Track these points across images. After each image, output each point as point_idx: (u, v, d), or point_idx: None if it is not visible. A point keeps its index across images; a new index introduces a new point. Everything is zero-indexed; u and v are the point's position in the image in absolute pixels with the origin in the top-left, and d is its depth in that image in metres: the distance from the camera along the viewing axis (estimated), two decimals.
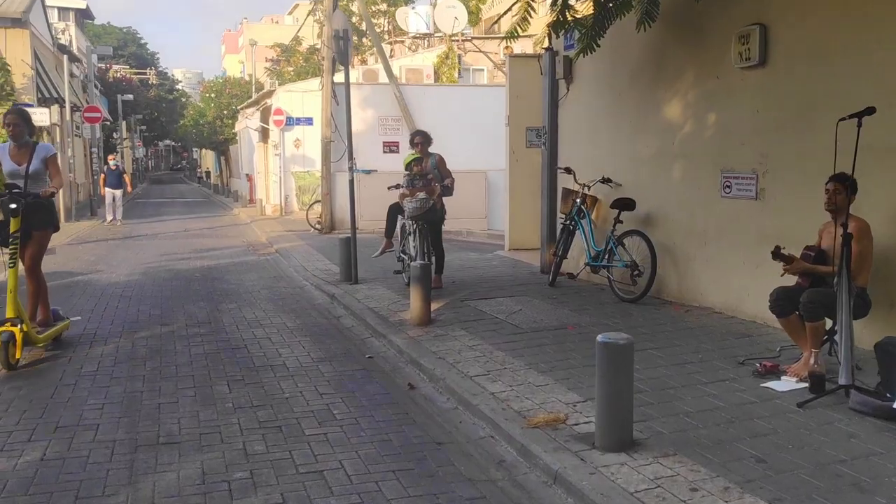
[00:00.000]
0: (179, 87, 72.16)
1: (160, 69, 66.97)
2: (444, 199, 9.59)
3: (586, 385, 5.28)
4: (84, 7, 37.81)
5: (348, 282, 10.40)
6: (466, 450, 4.52)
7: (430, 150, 9.87)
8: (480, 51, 24.75)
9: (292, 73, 37.09)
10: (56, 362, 6.55)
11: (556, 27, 8.03)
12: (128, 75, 50.25)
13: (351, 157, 11.10)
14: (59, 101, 22.38)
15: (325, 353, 6.84)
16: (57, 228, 7.20)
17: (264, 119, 25.77)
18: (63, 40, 28.35)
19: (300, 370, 6.27)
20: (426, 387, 5.79)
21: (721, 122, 7.56)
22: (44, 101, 21.92)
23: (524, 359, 6.06)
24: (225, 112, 39.23)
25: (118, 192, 21.97)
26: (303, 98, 24.18)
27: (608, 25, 7.58)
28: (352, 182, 11.07)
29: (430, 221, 9.13)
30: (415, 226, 9.23)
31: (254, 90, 35.43)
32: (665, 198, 8.29)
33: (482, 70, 30.57)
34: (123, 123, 49.99)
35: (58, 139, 21.62)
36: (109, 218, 21.76)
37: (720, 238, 7.57)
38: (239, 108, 34.02)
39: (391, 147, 18.42)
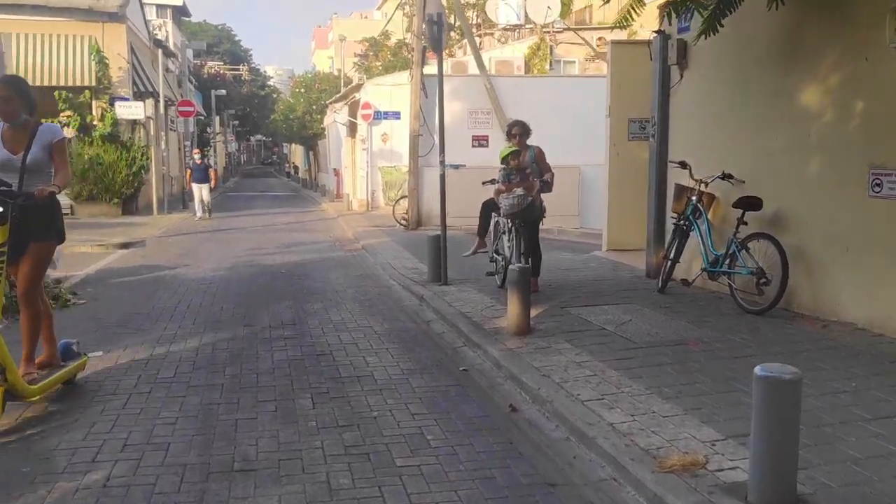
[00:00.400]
0: (271, 83, 73.52)
1: (253, 65, 68.31)
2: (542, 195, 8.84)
3: (723, 417, 4.47)
4: (181, 4, 38.64)
5: (437, 282, 9.79)
6: (585, 496, 3.80)
7: (528, 142, 9.12)
8: (581, 37, 23.73)
9: (380, 67, 36.88)
10: (134, 364, 6.16)
11: (675, 7, 7.18)
12: (222, 71, 51.33)
13: (442, 151, 10.47)
14: (154, 95, 22.69)
15: (416, 364, 6.23)
16: (62, 239, 5.51)
17: (352, 113, 25.52)
18: (160, 36, 28.92)
19: (389, 383, 5.67)
20: (530, 409, 5.09)
21: (870, 110, 6.54)
22: (139, 95, 22.25)
23: (643, 381, 5.28)
24: (314, 107, 39.45)
25: (205, 187, 21.33)
26: (391, 92, 23.78)
27: (738, 3, 6.67)
28: (442, 177, 10.48)
29: (528, 220, 8.42)
30: (510, 224, 8.54)
31: (342, 85, 35.40)
32: (798, 197, 7.30)
33: (573, 62, 29.54)
34: (217, 118, 51.13)
35: (152, 132, 21.95)
36: (199, 214, 21.32)
37: (867, 244, 6.55)
38: (328, 102, 34.04)
39: (480, 141, 17.76)
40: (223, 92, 43.77)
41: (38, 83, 20.20)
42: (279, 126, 50.09)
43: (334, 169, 32.54)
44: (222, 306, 8.69)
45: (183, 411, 5.05)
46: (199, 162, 21.91)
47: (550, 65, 25.17)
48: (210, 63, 51.69)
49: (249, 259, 12.92)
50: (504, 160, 8.66)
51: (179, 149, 30.27)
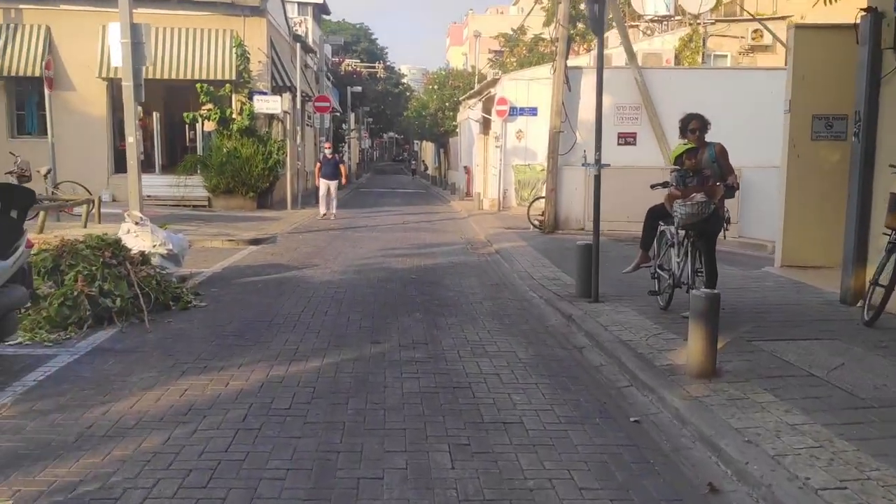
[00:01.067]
0: (405, 81, 74.00)
1: (388, 63, 68.93)
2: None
3: None
4: (321, 2, 39.05)
5: (586, 298, 8.55)
6: None
7: (706, 138, 7.73)
8: (760, 22, 21.61)
9: (515, 63, 35.73)
10: (246, 389, 5.33)
11: None
12: (358, 69, 51.82)
13: (598, 149, 9.24)
14: (292, 90, 22.60)
15: (574, 409, 5.05)
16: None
17: (486, 109, 24.54)
18: (299, 32, 29.04)
19: (544, 436, 4.53)
20: (738, 492, 3.81)
21: None
22: (277, 90, 22.19)
23: (891, 459, 3.87)
24: (447, 104, 38.83)
25: (333, 184, 19.71)
26: (528, 86, 22.61)
27: None
28: (597, 178, 9.22)
29: (706, 231, 7.03)
30: (683, 236, 7.18)
31: (476, 81, 34.53)
32: None
33: (725, 56, 27.28)
34: (352, 115, 51.67)
35: (288, 127, 21.80)
36: (323, 211, 19.76)
37: None
38: (461, 99, 33.28)
39: (627, 139, 16.29)
40: (359, 89, 44.00)
41: (180, 76, 20.49)
42: (411, 123, 49.94)
43: (465, 167, 31.71)
44: (349, 317, 7.83)
45: (296, 460, 4.11)
46: (329, 156, 20.36)
47: (703, 58, 23.16)
48: (347, 60, 52.33)
49: (378, 261, 12.12)
50: (677, 160, 7.32)
51: (315, 144, 30.37)
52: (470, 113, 26.66)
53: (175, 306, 7.93)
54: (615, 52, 22.01)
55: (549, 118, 22.01)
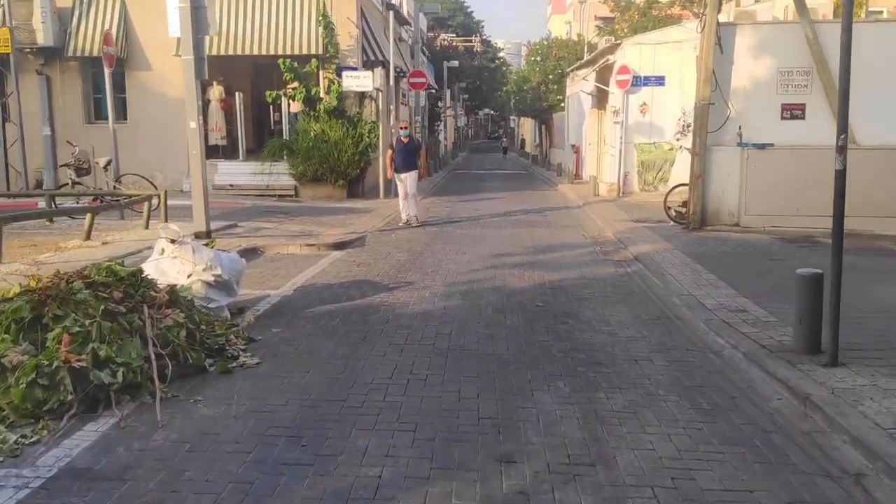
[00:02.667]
0: (501, 55, 70.66)
1: (484, 37, 65.77)
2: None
3: None
4: None
5: (814, 355, 5.62)
6: None
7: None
8: None
9: (627, 30, 32.06)
10: None
11: None
12: (454, 43, 49.00)
13: (844, 127, 6.16)
14: (384, 65, 20.09)
15: None
16: None
17: (602, 80, 21.32)
18: (393, 0, 26.45)
19: None
20: None
21: None
22: (368, 65, 19.71)
23: None
24: (550, 76, 35.56)
25: (411, 176, 14.25)
26: (654, 52, 19.29)
27: None
28: (840, 172, 6.17)
29: None
30: None
31: (586, 51, 31.13)
32: None
33: (881, 11, 23.02)
34: (448, 92, 49.00)
35: (381, 106, 19.34)
36: (404, 217, 14.37)
37: None
38: (568, 70, 30.02)
39: (793, 111, 12.89)
40: (456, 63, 41.22)
41: (261, 51, 18.30)
42: (512, 98, 46.79)
43: (573, 145, 28.52)
44: (459, 390, 5.17)
45: None
46: (405, 140, 14.48)
47: (866, 12, 19.18)
48: (442, 35, 49.59)
49: (489, 275, 9.42)
50: None
51: (410, 124, 27.89)
52: (581, 85, 23.51)
53: (214, 367, 5.49)
54: (760, 8, 18.36)
55: (694, 87, 18.58)
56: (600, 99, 22.75)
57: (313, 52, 18.34)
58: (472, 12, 70.16)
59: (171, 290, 5.83)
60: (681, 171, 19.47)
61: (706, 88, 12.81)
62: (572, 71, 28.63)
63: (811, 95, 12.86)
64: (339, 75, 18.55)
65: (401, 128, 15.10)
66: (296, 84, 18.37)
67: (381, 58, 20.16)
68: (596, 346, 6.27)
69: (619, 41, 20.38)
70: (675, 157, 19.49)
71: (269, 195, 18.71)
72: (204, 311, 6.43)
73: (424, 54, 37.57)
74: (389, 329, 6.74)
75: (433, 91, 40.64)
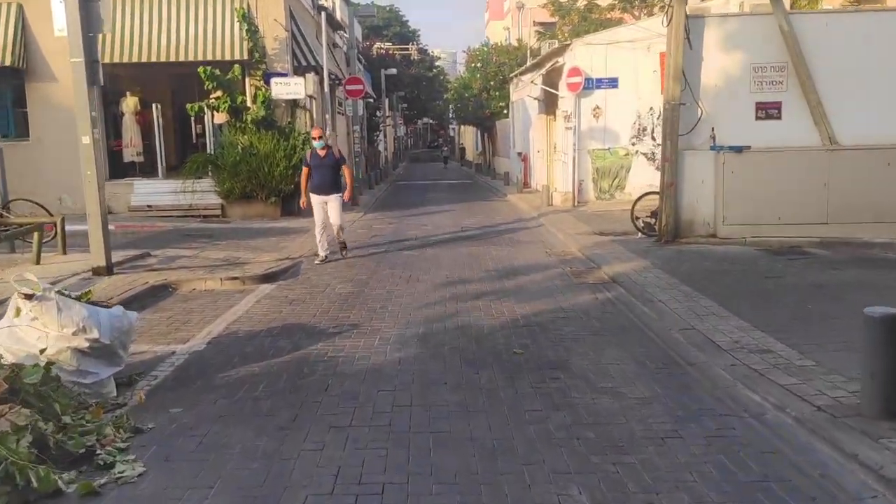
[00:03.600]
0: (438, 64, 69.42)
1: (421, 46, 64.41)
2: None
3: None
4: None
5: (893, 419, 4.20)
6: None
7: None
8: None
9: (568, 34, 31.04)
10: None
11: None
12: (391, 51, 47.42)
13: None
14: (318, 71, 18.35)
15: None
16: None
17: (551, 83, 20.04)
18: (324, 3, 24.70)
19: None
20: None
21: None
22: (300, 71, 17.95)
23: None
24: (492, 83, 34.26)
25: (332, 203, 11.05)
26: (606, 53, 18.08)
27: None
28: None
29: None
30: None
31: (529, 55, 29.94)
32: None
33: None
34: (386, 101, 47.35)
35: (315, 115, 17.60)
36: (322, 254, 11.10)
37: None
38: (512, 75, 28.75)
39: (768, 111, 11.74)
40: (393, 71, 39.62)
41: (178, 58, 16.37)
42: (452, 106, 45.38)
43: (519, 153, 27.23)
44: None
45: None
46: (321, 153, 10.90)
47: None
48: (378, 44, 47.94)
49: (450, 309, 7.84)
50: None
51: (348, 135, 26.13)
52: (527, 90, 22.20)
53: (73, 487, 3.75)
54: (714, 4, 17.32)
55: (649, 89, 17.60)
56: (548, 104, 21.47)
57: (237, 57, 16.52)
58: (407, 21, 68.76)
59: (13, 373, 4.06)
60: (638, 177, 18.32)
61: (675, 87, 11.52)
62: (516, 76, 27.38)
63: (787, 93, 11.71)
64: (268, 82, 16.78)
65: (314, 137, 11.20)
66: (219, 93, 16.51)
67: (313, 63, 18.44)
68: (603, 415, 4.75)
69: (568, 42, 19.13)
70: (631, 162, 18.32)
71: (192, 216, 16.75)
72: (75, 391, 4.69)
73: (361, 62, 35.90)
74: (329, 401, 5.08)
75: (371, 100, 38.96)
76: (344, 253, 11.49)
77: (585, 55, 18.05)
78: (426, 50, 65.66)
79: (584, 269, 10.18)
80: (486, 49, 36.09)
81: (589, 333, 6.81)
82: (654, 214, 12.65)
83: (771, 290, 8.16)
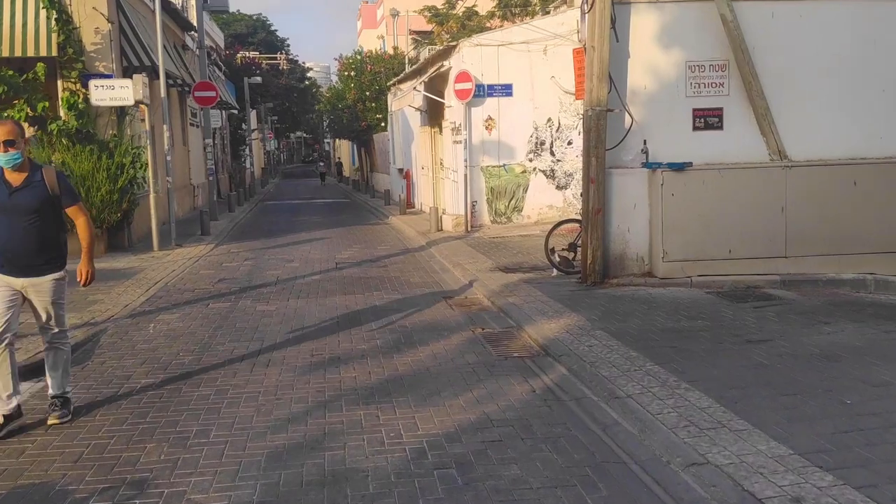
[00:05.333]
0: (310, 75, 65.78)
1: (291, 56, 60.61)
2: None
3: None
4: None
5: None
6: None
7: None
8: None
9: (448, 41, 28.68)
10: None
11: None
12: (257, 59, 43.58)
13: None
14: (152, 72, 14.77)
15: None
16: None
17: (435, 91, 17.41)
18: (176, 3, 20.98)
19: None
20: None
21: None
22: (132, 72, 14.32)
23: None
24: (367, 94, 31.36)
25: (40, 292, 5.04)
26: (498, 56, 15.64)
27: None
28: None
29: None
30: None
31: (407, 63, 27.28)
32: None
33: None
34: (254, 113, 43.40)
35: (147, 126, 14.02)
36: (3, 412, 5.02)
37: None
38: (389, 84, 25.97)
39: (707, 118, 9.52)
40: (258, 79, 35.97)
41: None
42: (326, 118, 42.02)
43: (400, 169, 24.48)
44: None
45: None
46: (14, 178, 4.89)
47: None
48: (243, 52, 43.97)
49: (312, 435, 4.86)
50: None
51: (204, 150, 22.37)
52: (408, 99, 19.50)
53: None
54: None
55: (546, 97, 15.31)
56: (433, 115, 18.85)
57: (43, 53, 12.78)
58: (275, 30, 64.86)
59: None
60: (537, 197, 16.01)
61: (602, 89, 9.06)
62: (394, 84, 24.63)
63: (729, 97, 9.53)
64: (86, 86, 13.13)
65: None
66: (18, 100, 12.70)
67: (148, 63, 14.87)
68: None
69: (455, 43, 16.55)
70: (528, 181, 15.96)
71: None
72: None
73: (221, 69, 32.08)
74: None
75: (234, 111, 35.12)
76: (57, 415, 5.13)
77: (475, 58, 15.52)
78: (296, 60, 61.99)
79: (502, 332, 7.46)
80: (359, 57, 33.16)
81: (546, 482, 4.04)
82: (572, 247, 10.18)
83: (770, 368, 5.73)
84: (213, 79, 24.67)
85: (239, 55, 41.35)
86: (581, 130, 16.18)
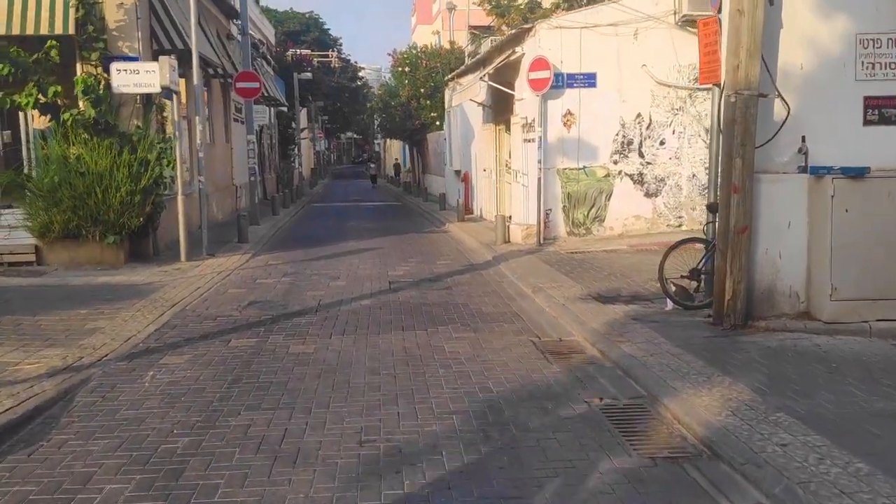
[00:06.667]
0: (362, 75, 64.10)
1: (343, 55, 59.01)
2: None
3: None
4: None
5: None
6: None
7: None
8: None
9: (498, 41, 26.37)
10: None
11: None
12: (308, 56, 41.91)
13: None
14: (183, 55, 12.83)
15: None
16: None
17: (502, 82, 15.13)
18: None
19: None
20: None
21: None
22: (163, 55, 12.41)
23: None
24: (421, 91, 29.30)
25: None
26: (580, 41, 13.33)
27: None
28: None
29: None
30: None
31: (468, 57, 25.09)
32: None
33: None
34: (303, 111, 41.78)
35: (175, 116, 12.01)
36: None
37: None
38: (448, 78, 23.82)
39: (885, 109, 7.12)
40: (309, 75, 34.22)
41: None
42: (377, 117, 40.05)
43: (457, 171, 22.30)
44: None
45: None
46: None
47: None
48: (295, 49, 42.34)
49: None
50: None
51: (249, 149, 20.45)
52: (470, 93, 17.29)
53: None
54: None
55: (639, 88, 13.03)
56: (499, 109, 16.61)
57: (59, 31, 10.94)
58: (328, 29, 63.35)
59: None
60: (622, 205, 13.64)
61: (752, 66, 6.68)
62: (453, 79, 22.46)
63: None
64: (107, 69, 11.25)
65: None
66: (31, 83, 10.87)
67: (181, 46, 12.97)
68: None
69: (529, 25, 14.29)
70: (612, 186, 13.60)
71: None
72: None
73: (270, 64, 30.39)
74: None
75: (284, 109, 33.42)
76: None
77: (554, 42, 13.24)
78: (348, 59, 60.42)
79: (630, 408, 5.15)
80: (414, 52, 31.09)
81: None
82: (694, 274, 7.83)
83: None
84: (261, 73, 22.85)
85: (289, 52, 39.75)
86: (676, 128, 13.88)
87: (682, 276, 7.91)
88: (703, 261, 7.84)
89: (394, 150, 51.29)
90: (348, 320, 7.92)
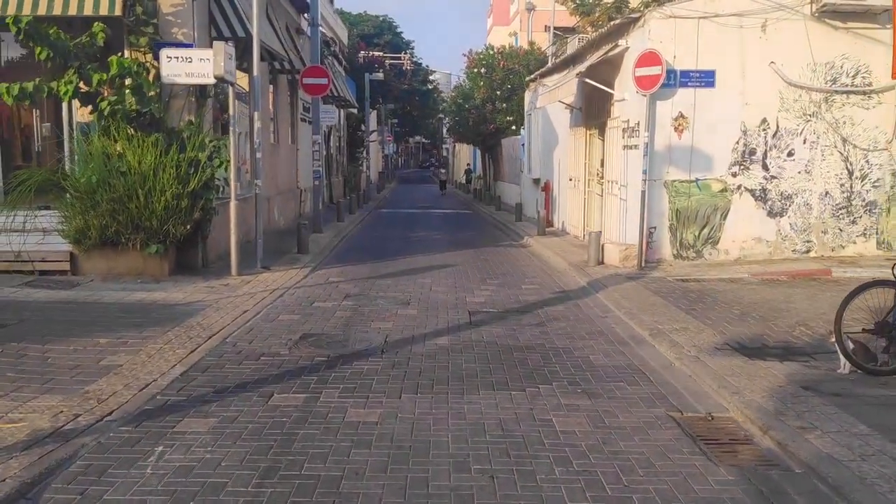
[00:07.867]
0: (433, 78, 62.79)
1: (415, 59, 57.81)
2: None
3: None
4: None
5: None
6: None
7: None
8: None
9: (592, 34, 24.33)
10: None
11: None
12: (380, 57, 40.70)
13: None
14: (242, 43, 11.38)
15: None
16: None
17: (600, 79, 13.16)
18: None
19: None
20: None
21: None
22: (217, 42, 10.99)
23: None
24: (497, 93, 27.51)
25: None
26: (698, 32, 11.31)
27: None
28: None
29: None
30: None
31: (551, 58, 23.20)
32: None
33: None
34: (373, 114, 40.57)
35: (232, 111, 10.50)
36: None
37: None
38: (529, 79, 21.92)
39: None
40: (380, 75, 32.91)
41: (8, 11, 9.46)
42: (448, 120, 38.42)
43: (535, 180, 20.41)
44: None
45: None
46: None
47: None
48: (368, 51, 41.19)
49: None
50: None
51: (315, 150, 19.02)
52: (555, 94, 15.39)
53: None
54: None
55: (766, 86, 10.95)
56: (592, 112, 14.67)
57: (104, 12, 9.62)
58: (401, 32, 62.31)
59: None
60: (740, 226, 11.53)
61: None
62: (536, 79, 20.58)
63: None
64: (157, 56, 9.87)
65: None
66: (72, 71, 9.56)
67: (243, 35, 11.54)
68: None
69: (636, 15, 12.32)
70: (729, 203, 11.53)
71: (21, 271, 9.79)
72: None
73: (341, 64, 29.15)
74: None
75: (354, 110, 32.19)
76: None
77: (666, 34, 11.26)
78: (420, 63, 59.21)
79: None
80: (491, 52, 29.31)
81: None
82: (881, 328, 5.81)
83: None
84: (332, 71, 21.49)
85: (361, 53, 38.59)
86: (808, 137, 11.65)
87: (863, 330, 5.90)
88: (892, 312, 5.83)
89: (463, 155, 49.67)
90: (422, 369, 6.18)
